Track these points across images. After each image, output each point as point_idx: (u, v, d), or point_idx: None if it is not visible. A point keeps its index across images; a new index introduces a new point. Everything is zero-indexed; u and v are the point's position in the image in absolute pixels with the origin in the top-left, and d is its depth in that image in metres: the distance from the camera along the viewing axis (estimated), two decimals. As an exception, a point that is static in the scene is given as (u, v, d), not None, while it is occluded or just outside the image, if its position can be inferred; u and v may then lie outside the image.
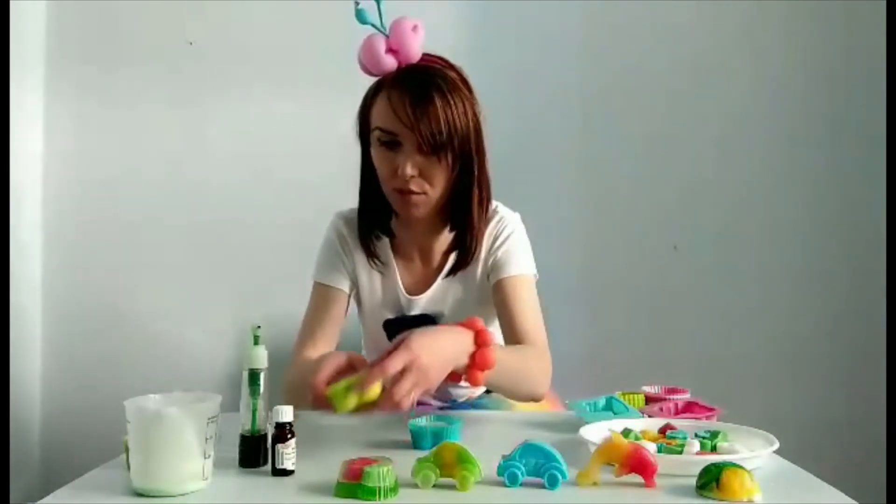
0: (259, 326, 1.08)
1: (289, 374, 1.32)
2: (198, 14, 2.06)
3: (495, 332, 1.37)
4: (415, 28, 1.25)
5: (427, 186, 1.28)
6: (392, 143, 1.27)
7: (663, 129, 2.09)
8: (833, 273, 2.08)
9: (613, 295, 2.09)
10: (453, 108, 1.25)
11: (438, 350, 1.06)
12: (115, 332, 2.05)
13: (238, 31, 2.07)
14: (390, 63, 1.26)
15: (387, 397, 0.99)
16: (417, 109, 1.23)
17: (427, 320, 1.39)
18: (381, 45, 1.25)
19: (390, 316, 1.43)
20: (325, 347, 1.37)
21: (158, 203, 2.06)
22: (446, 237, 1.40)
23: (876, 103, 2.01)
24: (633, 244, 2.09)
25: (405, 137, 1.25)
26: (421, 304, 1.41)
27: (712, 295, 2.08)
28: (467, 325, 1.13)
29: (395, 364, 0.99)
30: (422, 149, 1.25)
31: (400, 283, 1.42)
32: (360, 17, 1.25)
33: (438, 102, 1.23)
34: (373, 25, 1.25)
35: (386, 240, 1.42)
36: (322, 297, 1.42)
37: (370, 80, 1.46)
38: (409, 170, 1.25)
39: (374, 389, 0.99)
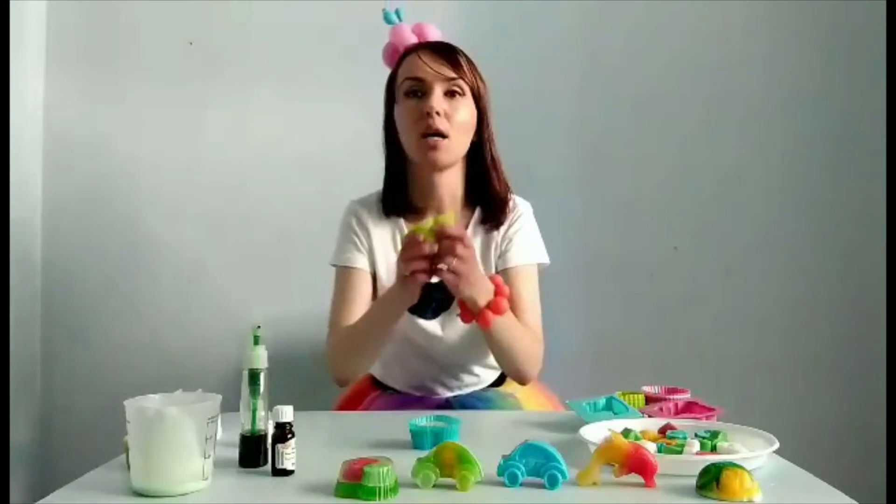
0: (259, 326, 1.08)
1: (332, 340, 1.44)
2: (198, 14, 2.06)
3: None
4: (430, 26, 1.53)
5: (450, 128, 1.39)
6: (419, 92, 1.41)
7: (664, 129, 2.09)
8: (833, 272, 2.08)
9: (614, 295, 2.09)
10: (473, 69, 1.45)
11: (479, 277, 1.30)
12: (115, 332, 2.05)
13: (238, 31, 2.07)
14: (413, 39, 1.49)
15: (447, 246, 1.21)
16: (445, 57, 1.42)
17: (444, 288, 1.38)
18: (407, 29, 1.50)
19: None
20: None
21: (158, 203, 2.06)
22: (463, 215, 1.48)
23: (876, 103, 2.01)
24: (633, 244, 2.09)
25: (433, 82, 1.40)
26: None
27: (712, 295, 2.08)
28: (490, 278, 1.33)
29: (467, 241, 1.24)
30: (448, 92, 1.40)
31: None
32: (387, 18, 1.52)
33: (462, 59, 1.43)
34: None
35: (402, 219, 1.49)
36: (347, 278, 1.48)
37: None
38: (436, 104, 1.38)
39: (449, 219, 1.23)
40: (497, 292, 1.31)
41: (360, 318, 1.42)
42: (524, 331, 1.40)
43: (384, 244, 1.49)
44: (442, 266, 1.23)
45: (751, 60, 2.09)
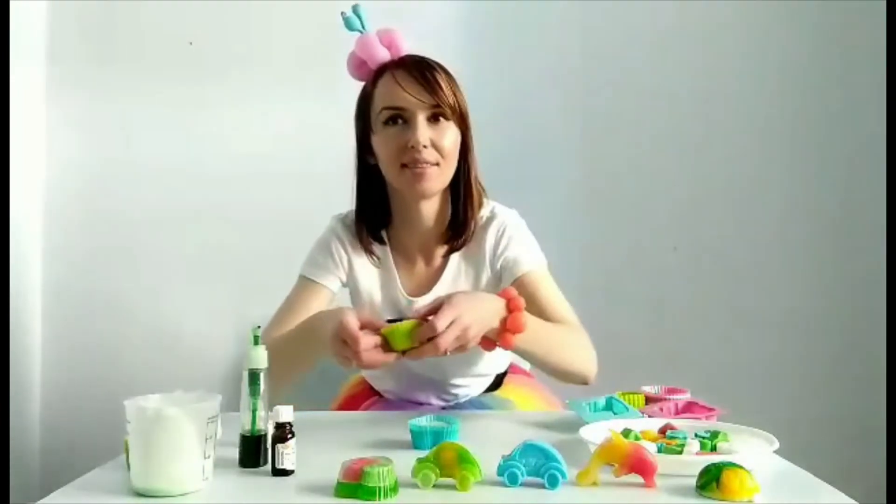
0: (259, 326, 1.08)
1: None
2: (198, 14, 2.07)
3: None
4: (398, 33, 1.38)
5: (439, 157, 1.31)
6: (399, 120, 1.31)
7: (663, 129, 2.09)
8: (833, 272, 2.08)
9: (614, 295, 2.09)
10: (452, 84, 1.34)
11: (478, 309, 1.16)
12: (115, 331, 2.05)
13: (238, 31, 2.08)
14: (384, 54, 1.35)
15: (432, 347, 1.10)
16: (425, 81, 1.31)
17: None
18: (376, 40, 1.36)
19: (389, 317, 1.40)
20: None
21: (158, 203, 2.06)
22: (447, 237, 1.40)
23: (876, 103, 2.01)
24: (633, 245, 2.09)
25: (415, 109, 1.30)
26: (420, 305, 1.39)
27: (712, 295, 2.08)
28: (501, 293, 1.22)
29: (443, 321, 1.10)
30: (431, 119, 1.31)
31: (400, 285, 1.42)
32: (349, 24, 1.38)
33: (441, 77, 1.33)
34: (360, 31, 1.37)
35: (386, 240, 1.42)
36: (304, 290, 1.41)
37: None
38: (422, 137, 1.29)
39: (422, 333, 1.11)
40: (510, 307, 1.20)
41: (289, 331, 1.32)
42: (560, 330, 1.31)
43: (366, 266, 1.42)
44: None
45: (750, 61, 2.09)
